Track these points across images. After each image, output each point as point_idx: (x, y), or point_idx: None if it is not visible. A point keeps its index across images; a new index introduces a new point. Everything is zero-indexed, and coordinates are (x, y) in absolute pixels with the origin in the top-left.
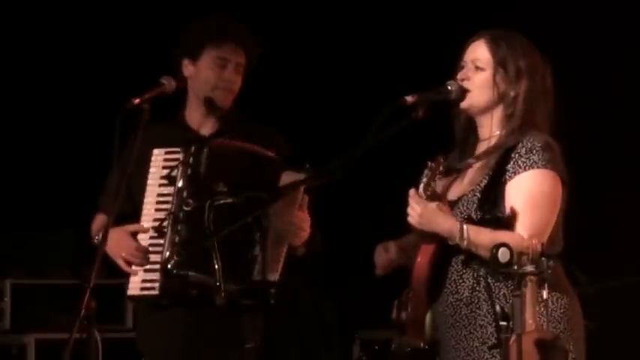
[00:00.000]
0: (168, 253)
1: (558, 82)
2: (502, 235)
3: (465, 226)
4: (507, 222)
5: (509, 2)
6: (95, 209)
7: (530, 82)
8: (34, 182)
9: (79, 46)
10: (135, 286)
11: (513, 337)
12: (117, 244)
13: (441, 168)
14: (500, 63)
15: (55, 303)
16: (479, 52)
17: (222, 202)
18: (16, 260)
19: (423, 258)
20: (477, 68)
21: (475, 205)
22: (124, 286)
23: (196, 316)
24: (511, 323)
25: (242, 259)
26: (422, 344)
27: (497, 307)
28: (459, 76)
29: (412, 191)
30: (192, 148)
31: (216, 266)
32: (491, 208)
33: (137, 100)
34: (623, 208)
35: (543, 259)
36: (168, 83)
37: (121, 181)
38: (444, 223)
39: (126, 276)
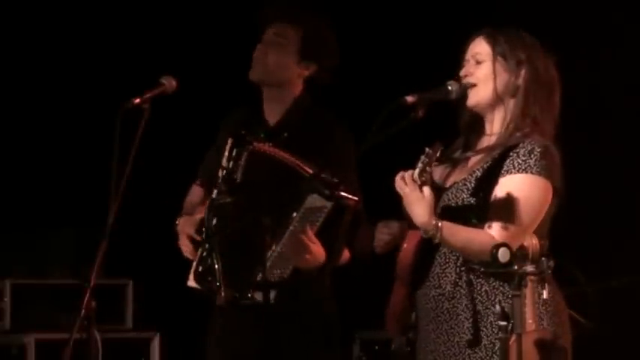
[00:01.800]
0: (195, 262)
1: (567, 81)
2: (475, 235)
3: (440, 225)
4: (490, 209)
5: (511, 2)
6: (194, 179)
7: (532, 72)
8: (34, 182)
9: (79, 46)
10: (192, 277)
11: (513, 337)
12: (182, 229)
13: (438, 154)
14: (499, 53)
15: (55, 303)
16: (478, 46)
17: (221, 201)
18: (16, 260)
19: (409, 244)
20: (478, 62)
21: (464, 194)
22: (124, 286)
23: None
24: (511, 323)
25: (250, 259)
26: (398, 333)
27: (497, 307)
28: (462, 72)
29: (409, 174)
30: (234, 152)
31: (216, 266)
32: (481, 197)
33: (137, 100)
34: (623, 208)
35: (543, 259)
36: (169, 83)
37: (120, 181)
38: (423, 214)
39: (126, 276)
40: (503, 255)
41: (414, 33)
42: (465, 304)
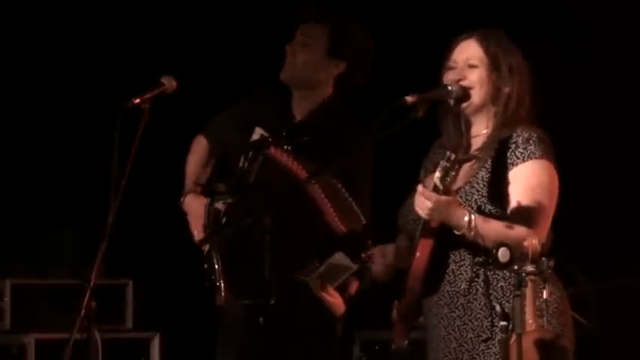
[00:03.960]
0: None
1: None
2: (507, 228)
3: (473, 217)
4: (510, 204)
5: (506, 3)
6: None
7: (521, 80)
8: (34, 182)
9: (79, 46)
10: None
11: (513, 337)
12: (195, 213)
13: (460, 158)
14: (493, 60)
15: (55, 303)
16: (471, 50)
17: (221, 202)
18: (16, 260)
19: (422, 253)
20: (470, 66)
21: (475, 195)
22: (124, 286)
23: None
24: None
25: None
26: (405, 342)
27: (498, 307)
28: (453, 76)
29: (421, 187)
30: (250, 153)
31: (216, 266)
32: (499, 204)
33: (137, 100)
34: (624, 208)
35: (543, 259)
36: (169, 83)
37: (120, 181)
38: (455, 213)
39: (126, 276)
40: (503, 255)
41: (414, 33)
42: (484, 303)
